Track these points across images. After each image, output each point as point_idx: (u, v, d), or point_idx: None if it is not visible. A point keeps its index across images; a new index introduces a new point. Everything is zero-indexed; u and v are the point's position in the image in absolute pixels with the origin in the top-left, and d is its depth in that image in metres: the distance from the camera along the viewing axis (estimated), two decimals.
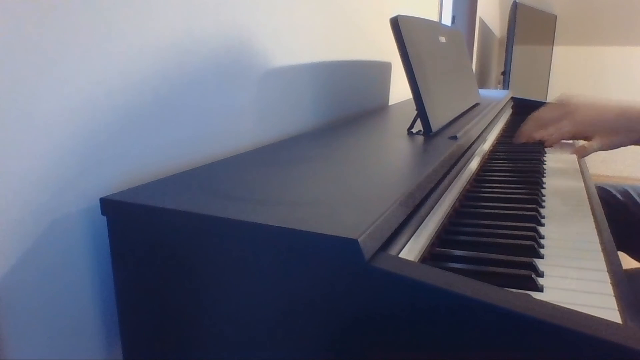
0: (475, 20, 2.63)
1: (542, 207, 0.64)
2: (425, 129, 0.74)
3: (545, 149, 1.00)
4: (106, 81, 0.48)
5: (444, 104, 0.84)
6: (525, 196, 0.66)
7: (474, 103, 1.12)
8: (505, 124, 1.30)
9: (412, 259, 0.40)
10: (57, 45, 0.42)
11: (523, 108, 1.57)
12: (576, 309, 0.30)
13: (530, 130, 0.81)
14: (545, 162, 0.88)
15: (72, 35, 0.44)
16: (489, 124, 1.05)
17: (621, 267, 0.46)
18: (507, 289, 0.32)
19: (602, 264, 0.46)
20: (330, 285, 0.35)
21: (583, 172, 0.83)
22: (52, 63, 0.42)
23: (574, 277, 0.44)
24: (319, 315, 0.36)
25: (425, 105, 0.73)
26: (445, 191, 0.59)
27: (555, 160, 0.92)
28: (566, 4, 3.70)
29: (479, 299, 0.30)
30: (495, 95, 1.43)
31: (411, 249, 0.43)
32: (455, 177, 0.65)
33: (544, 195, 0.69)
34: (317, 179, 0.49)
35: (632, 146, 0.92)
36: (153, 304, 0.44)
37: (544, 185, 0.74)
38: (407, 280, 0.32)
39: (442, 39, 0.97)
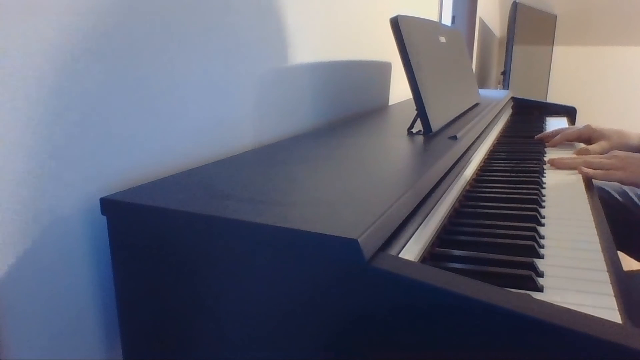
0: (475, 20, 2.63)
1: (542, 207, 0.64)
2: (425, 129, 0.74)
3: (546, 149, 1.00)
4: (105, 81, 0.48)
5: (444, 104, 0.84)
6: (525, 196, 0.66)
7: (474, 103, 1.12)
8: (505, 124, 1.30)
9: (412, 259, 0.40)
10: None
11: (523, 108, 1.57)
12: (576, 309, 0.30)
13: (579, 165, 0.81)
14: (545, 162, 0.88)
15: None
16: (489, 124, 1.05)
17: (621, 267, 0.46)
18: (507, 289, 0.32)
19: (602, 264, 0.46)
20: (330, 285, 0.35)
21: None
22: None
23: (574, 277, 0.44)
24: (319, 315, 0.36)
25: (425, 105, 0.73)
26: (445, 191, 0.59)
27: None
28: (566, 4, 3.70)
29: (479, 299, 0.30)
30: (495, 95, 1.43)
31: (411, 249, 0.43)
32: (455, 177, 0.65)
33: (544, 195, 0.69)
34: (317, 179, 0.49)
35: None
36: (153, 304, 0.44)
37: (544, 185, 0.74)
38: (407, 280, 0.32)
39: (442, 39, 0.97)
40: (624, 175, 0.74)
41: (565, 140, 1.01)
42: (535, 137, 1.07)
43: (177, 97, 0.57)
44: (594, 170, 0.77)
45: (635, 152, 0.79)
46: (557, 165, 0.83)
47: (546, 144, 1.03)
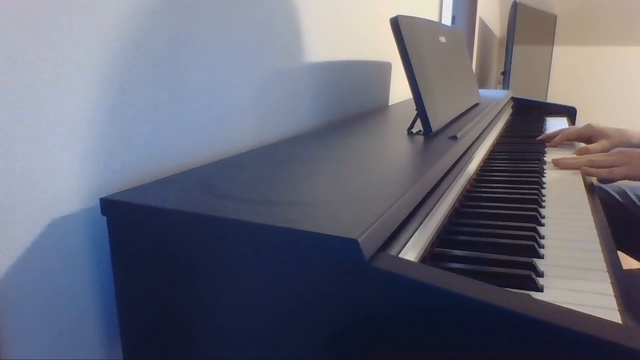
0: (475, 20, 2.63)
1: (542, 207, 0.64)
2: (425, 129, 0.74)
3: (546, 149, 1.00)
4: (105, 81, 0.48)
5: (444, 104, 0.84)
6: (525, 196, 0.66)
7: (474, 103, 1.12)
8: (505, 124, 1.30)
9: (412, 259, 0.40)
10: (48, 43, 0.42)
11: (523, 108, 1.57)
12: (576, 309, 0.30)
13: (582, 165, 0.81)
14: (545, 162, 0.88)
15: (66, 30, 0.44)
16: (489, 124, 1.05)
17: (621, 267, 0.46)
18: (507, 289, 0.32)
19: (602, 264, 0.46)
20: (330, 285, 0.35)
21: None
22: (49, 59, 0.42)
23: (574, 277, 0.44)
24: (319, 315, 0.36)
25: (425, 105, 0.73)
26: (445, 191, 0.59)
27: None
28: (566, 4, 3.70)
29: (479, 299, 0.30)
30: (495, 95, 1.43)
31: (411, 249, 0.43)
32: (455, 177, 0.65)
33: (544, 195, 0.69)
34: (317, 179, 0.49)
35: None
36: (153, 304, 0.44)
37: (544, 185, 0.74)
38: (407, 280, 0.32)
39: (442, 39, 0.97)
40: (629, 170, 0.73)
41: (566, 139, 1.01)
42: (537, 138, 1.07)
43: (178, 97, 0.57)
44: (598, 170, 0.77)
45: None
46: (561, 165, 0.83)
47: (547, 144, 1.03)
